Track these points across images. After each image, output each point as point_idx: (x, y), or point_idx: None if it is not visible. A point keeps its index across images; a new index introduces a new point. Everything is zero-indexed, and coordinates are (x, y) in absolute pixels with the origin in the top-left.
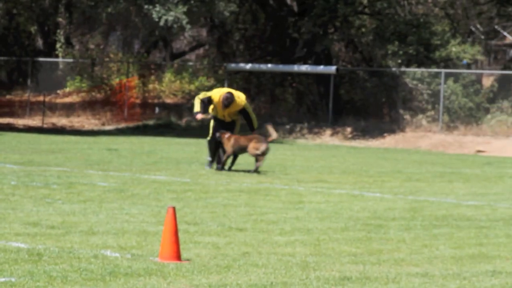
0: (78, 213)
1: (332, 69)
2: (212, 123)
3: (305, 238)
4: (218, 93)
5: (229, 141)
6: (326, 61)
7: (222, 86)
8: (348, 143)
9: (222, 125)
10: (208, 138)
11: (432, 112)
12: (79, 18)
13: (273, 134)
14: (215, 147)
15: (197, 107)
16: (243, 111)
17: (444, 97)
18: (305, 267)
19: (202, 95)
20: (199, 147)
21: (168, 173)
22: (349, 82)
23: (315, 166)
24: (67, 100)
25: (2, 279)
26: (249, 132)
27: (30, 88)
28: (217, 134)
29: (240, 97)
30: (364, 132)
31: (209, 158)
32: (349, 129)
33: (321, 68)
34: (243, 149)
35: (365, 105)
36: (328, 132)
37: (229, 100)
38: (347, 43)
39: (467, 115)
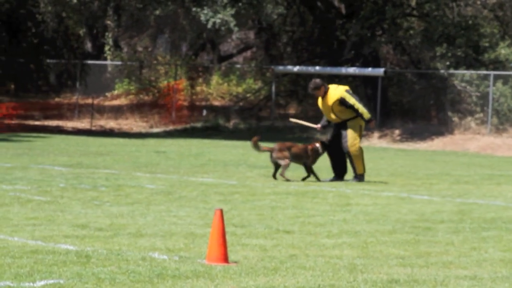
0: (126, 215)
1: (380, 71)
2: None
3: (353, 241)
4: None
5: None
6: (374, 63)
7: (270, 89)
8: (396, 145)
9: (333, 129)
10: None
11: (481, 115)
12: (127, 20)
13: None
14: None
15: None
16: (344, 103)
17: (493, 100)
18: (352, 270)
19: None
20: (246, 149)
21: (215, 176)
22: (397, 84)
23: None
24: (116, 102)
25: (51, 281)
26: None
27: (78, 90)
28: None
29: (339, 87)
30: (412, 135)
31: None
32: (397, 132)
33: (369, 70)
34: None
35: (413, 107)
36: (376, 134)
37: (314, 85)
38: (395, 45)
39: None
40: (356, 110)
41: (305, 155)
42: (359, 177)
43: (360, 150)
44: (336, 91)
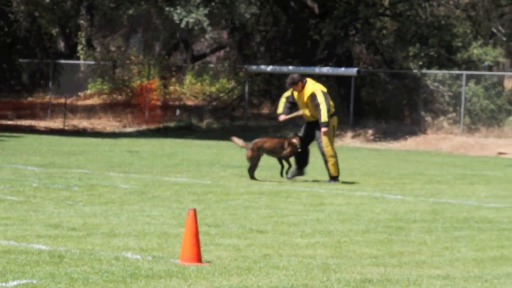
0: (99, 215)
1: (353, 71)
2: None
3: (326, 240)
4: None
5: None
6: (347, 63)
7: (243, 88)
8: (369, 145)
9: (305, 126)
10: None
11: (454, 114)
12: (100, 20)
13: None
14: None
15: (280, 107)
16: (313, 99)
17: (465, 99)
18: (326, 269)
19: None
20: (220, 149)
21: (189, 175)
22: (370, 84)
23: None
24: (89, 102)
25: (24, 281)
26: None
27: (51, 90)
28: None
29: (316, 84)
30: (385, 134)
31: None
32: (370, 131)
33: (342, 70)
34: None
35: (386, 107)
36: (349, 134)
37: (292, 80)
38: (368, 45)
39: (488, 117)
40: (319, 110)
41: (281, 149)
42: (334, 179)
43: (334, 151)
44: (312, 86)
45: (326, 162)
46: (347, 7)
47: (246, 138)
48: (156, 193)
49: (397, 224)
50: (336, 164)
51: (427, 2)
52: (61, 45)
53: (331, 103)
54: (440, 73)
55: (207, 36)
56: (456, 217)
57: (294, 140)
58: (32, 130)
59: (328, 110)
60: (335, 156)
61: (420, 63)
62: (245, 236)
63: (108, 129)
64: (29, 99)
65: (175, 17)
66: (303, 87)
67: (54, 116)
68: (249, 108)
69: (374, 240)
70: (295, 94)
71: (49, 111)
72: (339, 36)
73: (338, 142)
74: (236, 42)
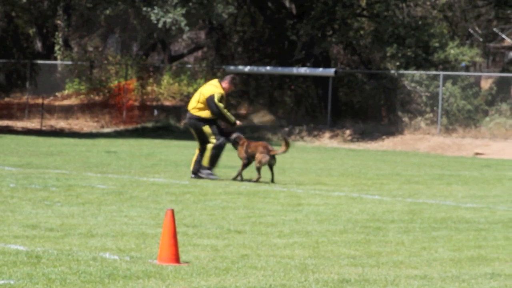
0: (77, 215)
1: (330, 71)
2: (209, 125)
3: (304, 241)
4: (218, 87)
5: (242, 147)
6: (324, 63)
7: None
8: (347, 145)
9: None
10: (217, 142)
11: (431, 115)
12: (77, 20)
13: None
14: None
15: (231, 117)
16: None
17: (442, 100)
18: (304, 270)
19: (218, 100)
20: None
21: (166, 176)
22: (348, 85)
23: (314, 168)
24: (66, 102)
25: (1, 282)
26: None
27: (28, 90)
28: (234, 136)
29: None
30: (363, 135)
31: (210, 167)
32: (348, 132)
33: (319, 71)
34: (253, 157)
35: (364, 107)
36: (327, 134)
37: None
38: (346, 46)
39: (465, 118)
40: None
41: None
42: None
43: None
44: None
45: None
46: (324, 7)
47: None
48: (134, 194)
49: (375, 224)
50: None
51: (404, 2)
52: (38, 45)
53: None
54: (417, 73)
55: (184, 36)
56: (433, 217)
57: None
58: (9, 130)
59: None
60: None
61: (398, 63)
62: (223, 237)
63: (86, 129)
64: (6, 99)
65: (153, 17)
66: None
67: (32, 116)
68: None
69: (352, 240)
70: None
71: (26, 111)
72: (317, 37)
73: (315, 143)
74: (213, 43)
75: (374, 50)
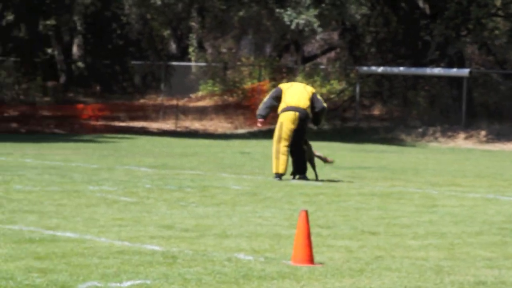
0: (212, 216)
1: (465, 72)
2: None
3: (439, 242)
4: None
5: None
6: (458, 64)
7: (354, 89)
8: (482, 146)
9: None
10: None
11: None
12: (211, 22)
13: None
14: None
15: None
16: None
17: None
18: (439, 272)
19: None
20: (332, 150)
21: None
22: (483, 85)
23: (449, 169)
24: (200, 103)
25: (138, 281)
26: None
27: (163, 92)
28: None
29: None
30: (498, 136)
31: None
32: (483, 133)
33: (453, 71)
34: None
35: (500, 108)
36: (462, 135)
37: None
38: (480, 46)
39: None
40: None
41: None
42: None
43: (276, 148)
44: None
45: None
46: (458, 7)
47: (357, 139)
48: (268, 194)
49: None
50: (276, 161)
51: None
52: (173, 47)
53: (289, 99)
54: None
55: (317, 37)
56: None
57: None
58: (144, 132)
59: (270, 105)
60: (276, 153)
61: None
62: (357, 238)
63: (220, 130)
64: (141, 100)
65: (286, 19)
66: None
67: (166, 118)
68: (360, 109)
69: (488, 242)
70: None
71: (161, 112)
72: (451, 37)
73: (450, 143)
74: (346, 43)
75: (510, 50)
